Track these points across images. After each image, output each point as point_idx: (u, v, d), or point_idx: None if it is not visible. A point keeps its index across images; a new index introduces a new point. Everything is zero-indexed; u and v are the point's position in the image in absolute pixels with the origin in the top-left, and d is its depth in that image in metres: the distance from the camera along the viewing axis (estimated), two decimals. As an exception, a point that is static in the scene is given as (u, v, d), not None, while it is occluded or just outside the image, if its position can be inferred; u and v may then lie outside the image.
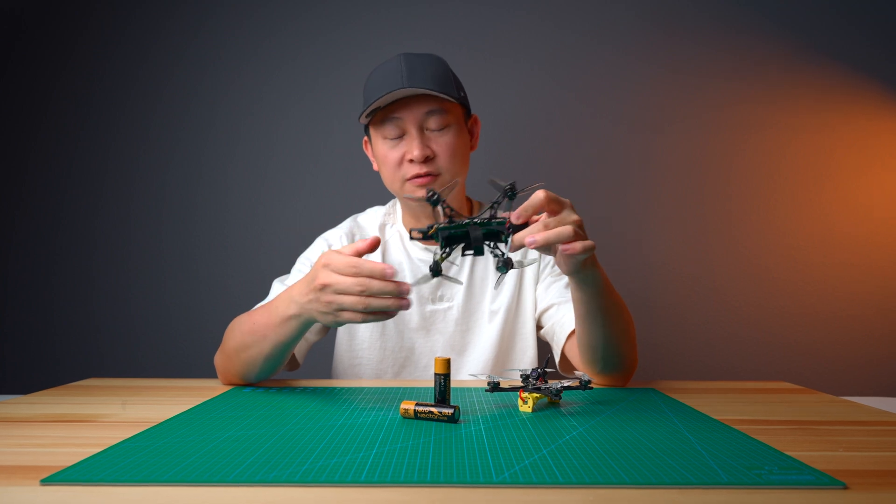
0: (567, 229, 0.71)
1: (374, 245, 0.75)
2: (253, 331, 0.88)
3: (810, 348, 1.70)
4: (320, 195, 1.74)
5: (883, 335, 1.68)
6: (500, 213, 0.73)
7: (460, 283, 0.86)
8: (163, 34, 1.76)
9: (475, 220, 0.72)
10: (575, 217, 0.74)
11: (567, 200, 0.75)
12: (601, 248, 1.70)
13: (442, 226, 0.71)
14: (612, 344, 0.88)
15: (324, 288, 0.74)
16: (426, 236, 0.72)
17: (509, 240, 0.72)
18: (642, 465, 0.54)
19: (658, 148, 1.72)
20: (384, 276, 0.71)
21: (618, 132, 1.72)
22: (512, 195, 0.72)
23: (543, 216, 0.73)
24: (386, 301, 0.71)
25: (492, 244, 0.73)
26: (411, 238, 0.73)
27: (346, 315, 0.74)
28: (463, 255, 0.74)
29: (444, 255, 0.72)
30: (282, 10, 1.75)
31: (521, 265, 0.75)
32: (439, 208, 0.72)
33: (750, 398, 0.88)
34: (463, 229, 0.71)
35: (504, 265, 0.71)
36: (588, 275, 0.80)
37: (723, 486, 0.49)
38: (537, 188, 0.73)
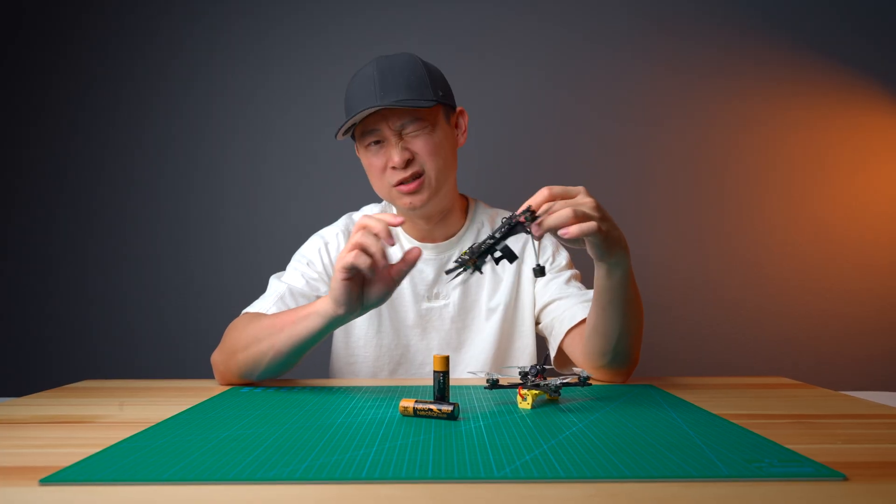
0: (565, 212, 0.72)
1: (401, 223, 0.78)
2: (272, 324, 0.89)
3: (806, 345, 1.70)
4: (315, 195, 1.74)
5: (878, 331, 1.69)
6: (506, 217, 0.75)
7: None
8: (157, 34, 1.75)
9: (495, 235, 0.73)
10: (587, 200, 0.75)
11: (579, 188, 0.76)
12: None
13: (471, 256, 0.73)
14: (626, 335, 0.89)
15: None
16: (463, 266, 0.73)
17: (533, 236, 0.73)
18: (643, 458, 0.54)
19: (653, 144, 1.72)
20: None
21: (612, 129, 1.72)
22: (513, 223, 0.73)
23: (557, 203, 0.74)
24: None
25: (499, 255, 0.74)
26: (447, 276, 0.75)
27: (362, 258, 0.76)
28: (497, 262, 0.75)
29: (477, 266, 0.74)
30: (278, 9, 1.74)
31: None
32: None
33: (748, 393, 0.89)
34: (491, 249, 0.73)
35: (539, 271, 0.73)
36: (617, 262, 0.81)
37: (723, 479, 0.49)
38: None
